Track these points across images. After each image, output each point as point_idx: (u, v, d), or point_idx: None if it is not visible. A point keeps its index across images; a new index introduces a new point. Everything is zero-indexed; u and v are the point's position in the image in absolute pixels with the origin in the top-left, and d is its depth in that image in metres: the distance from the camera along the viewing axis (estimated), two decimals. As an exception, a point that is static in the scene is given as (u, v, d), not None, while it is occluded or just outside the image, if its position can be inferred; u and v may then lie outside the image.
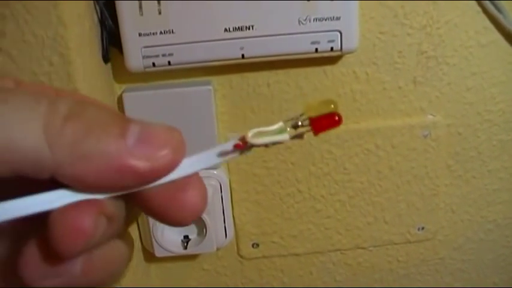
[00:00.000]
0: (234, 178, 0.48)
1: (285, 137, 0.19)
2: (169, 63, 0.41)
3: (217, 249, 0.48)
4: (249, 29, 0.41)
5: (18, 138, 0.14)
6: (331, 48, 0.42)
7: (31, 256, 0.16)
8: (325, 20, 0.40)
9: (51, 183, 0.15)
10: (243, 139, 0.18)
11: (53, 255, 0.15)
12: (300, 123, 0.19)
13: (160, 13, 0.40)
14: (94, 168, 0.15)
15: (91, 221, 0.15)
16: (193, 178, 0.17)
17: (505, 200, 0.52)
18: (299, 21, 0.40)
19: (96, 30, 0.41)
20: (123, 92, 0.44)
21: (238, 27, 0.41)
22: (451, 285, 0.56)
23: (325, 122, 0.19)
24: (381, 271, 0.54)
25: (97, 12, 0.41)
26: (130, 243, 0.19)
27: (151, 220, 0.46)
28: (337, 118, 0.19)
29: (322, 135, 0.46)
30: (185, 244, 0.47)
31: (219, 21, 0.40)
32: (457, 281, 0.56)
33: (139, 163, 0.15)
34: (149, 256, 0.51)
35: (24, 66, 0.36)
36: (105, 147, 0.15)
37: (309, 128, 0.19)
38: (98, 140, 0.15)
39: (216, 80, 0.45)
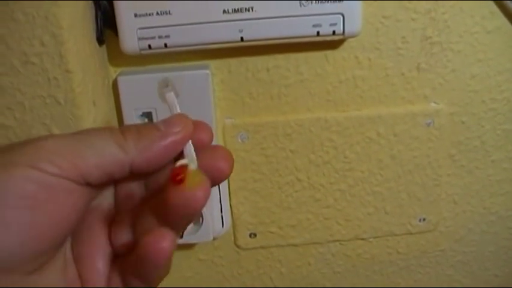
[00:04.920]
0: (231, 166, 0.47)
1: None
2: (165, 45, 0.40)
3: (214, 238, 0.47)
4: (248, 10, 0.39)
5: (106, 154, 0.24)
6: (333, 32, 0.40)
7: None
8: (327, 2, 0.39)
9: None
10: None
11: None
12: None
13: (156, -7, 0.39)
14: (154, 151, 0.24)
15: None
16: None
17: (508, 191, 0.51)
18: (300, 3, 0.39)
19: (90, 10, 0.40)
20: (117, 75, 0.42)
21: (238, 9, 0.39)
22: (452, 277, 0.55)
23: None
24: (380, 263, 0.53)
25: (91, -8, 0.40)
26: None
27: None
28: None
29: (322, 123, 0.45)
30: (181, 233, 0.46)
31: (217, 2, 0.39)
32: (458, 273, 0.55)
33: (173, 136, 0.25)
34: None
35: (13, 46, 0.35)
36: (153, 136, 0.25)
37: None
38: (147, 135, 0.25)
39: (214, 64, 0.44)
